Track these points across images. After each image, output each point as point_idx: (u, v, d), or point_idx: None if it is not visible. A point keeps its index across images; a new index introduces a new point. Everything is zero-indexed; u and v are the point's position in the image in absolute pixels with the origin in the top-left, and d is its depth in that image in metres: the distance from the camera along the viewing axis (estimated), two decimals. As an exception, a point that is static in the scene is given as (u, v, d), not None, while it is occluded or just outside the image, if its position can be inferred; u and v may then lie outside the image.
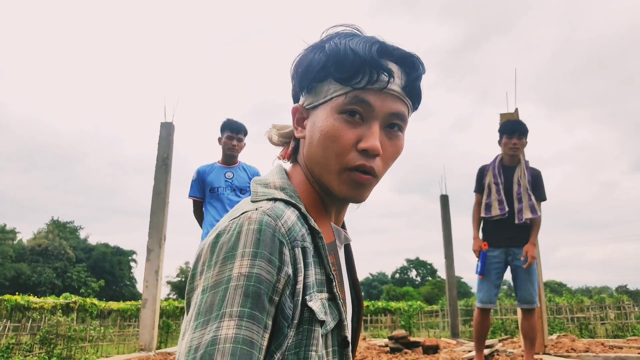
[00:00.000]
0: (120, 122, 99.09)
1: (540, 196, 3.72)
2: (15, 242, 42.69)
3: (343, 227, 0.89)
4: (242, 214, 0.70)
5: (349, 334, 0.77)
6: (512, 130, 3.68)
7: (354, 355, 0.83)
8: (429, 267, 56.23)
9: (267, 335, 0.64)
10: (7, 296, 10.86)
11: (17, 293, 12.02)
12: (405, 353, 5.10)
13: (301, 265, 0.69)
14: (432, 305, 18.15)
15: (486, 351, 4.47)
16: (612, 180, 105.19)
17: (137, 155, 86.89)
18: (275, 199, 0.74)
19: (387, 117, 0.76)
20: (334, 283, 0.74)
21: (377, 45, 0.74)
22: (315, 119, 0.78)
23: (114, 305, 13.54)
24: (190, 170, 3.91)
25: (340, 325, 0.74)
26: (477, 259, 3.75)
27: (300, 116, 0.83)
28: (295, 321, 0.67)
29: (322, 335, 0.70)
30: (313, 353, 0.68)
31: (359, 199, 0.79)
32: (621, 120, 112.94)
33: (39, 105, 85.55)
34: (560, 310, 11.63)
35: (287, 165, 0.87)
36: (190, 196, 3.84)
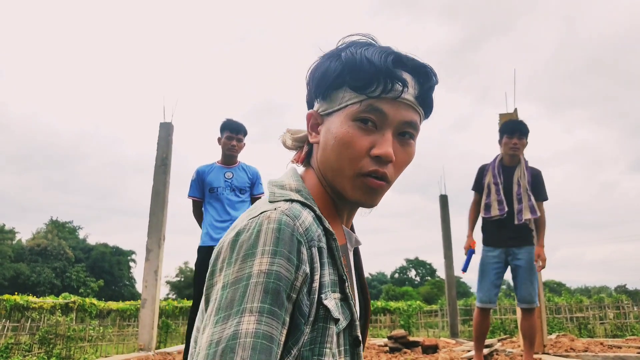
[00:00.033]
0: (120, 122, 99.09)
1: (542, 196, 3.72)
2: (14, 242, 42.64)
3: (352, 230, 0.91)
4: (261, 213, 0.72)
5: (360, 333, 0.79)
6: (513, 130, 3.68)
7: None
8: (428, 267, 56.26)
9: (284, 331, 0.66)
10: (6, 296, 10.85)
11: (16, 293, 12.00)
12: (405, 353, 5.10)
13: (317, 264, 0.72)
14: (431, 305, 18.15)
15: (485, 351, 4.48)
16: (611, 180, 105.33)
17: (137, 155, 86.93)
18: (292, 200, 0.76)
19: (400, 125, 0.78)
20: (347, 284, 0.76)
21: (392, 56, 0.77)
22: (330, 125, 0.80)
23: (113, 305, 13.52)
24: (190, 170, 3.91)
25: (352, 324, 0.77)
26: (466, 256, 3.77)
27: (315, 122, 0.85)
28: (311, 318, 0.69)
29: (335, 334, 0.72)
30: (327, 350, 0.70)
31: (371, 204, 0.81)
32: (621, 120, 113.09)
33: (39, 105, 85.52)
34: (560, 310, 11.64)
35: (300, 168, 0.89)
36: (189, 196, 3.84)
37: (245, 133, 3.88)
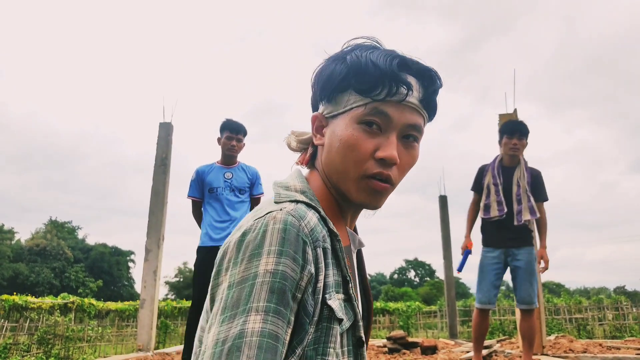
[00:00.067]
0: (120, 122, 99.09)
1: (542, 196, 3.72)
2: (13, 242, 42.60)
3: (355, 231, 0.92)
4: (267, 213, 0.73)
5: (363, 334, 0.80)
6: (513, 130, 3.67)
7: None
8: (427, 267, 56.26)
9: (289, 331, 0.67)
10: (4, 296, 10.82)
11: (15, 293, 11.98)
12: (404, 354, 5.10)
13: (322, 264, 0.72)
14: (430, 306, 18.16)
15: (484, 352, 4.48)
16: (611, 180, 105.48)
17: (137, 155, 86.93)
18: (297, 201, 0.77)
19: (404, 128, 0.79)
20: (350, 285, 0.77)
21: (397, 59, 0.77)
22: (335, 128, 0.81)
23: (112, 305, 13.51)
24: (190, 170, 3.91)
25: (355, 325, 0.77)
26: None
27: (320, 124, 0.86)
28: (315, 318, 0.70)
29: (339, 334, 0.73)
30: (331, 350, 0.71)
31: (375, 206, 0.82)
32: (620, 120, 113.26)
33: (38, 105, 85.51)
34: (559, 311, 11.64)
35: (305, 170, 0.89)
36: (189, 196, 3.84)
37: (245, 133, 3.88)
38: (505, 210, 3.63)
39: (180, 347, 6.30)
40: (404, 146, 0.80)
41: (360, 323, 0.78)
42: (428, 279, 53.50)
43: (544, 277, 4.93)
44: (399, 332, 5.49)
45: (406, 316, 13.93)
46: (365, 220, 0.92)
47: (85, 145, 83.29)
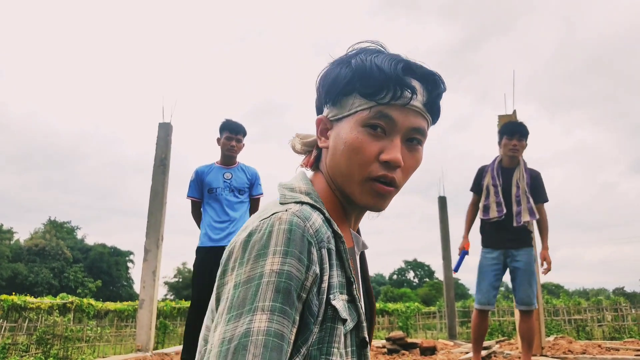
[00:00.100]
0: (119, 122, 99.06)
1: (542, 197, 3.72)
2: (12, 241, 42.56)
3: (358, 233, 0.93)
4: (272, 214, 0.73)
5: (366, 335, 0.81)
6: (513, 131, 3.67)
7: None
8: (426, 268, 56.27)
9: (294, 330, 0.68)
10: (3, 296, 10.79)
11: (13, 293, 11.96)
12: (403, 354, 5.10)
13: (327, 265, 0.73)
14: (429, 307, 18.15)
15: (483, 353, 4.48)
16: (611, 181, 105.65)
17: (136, 155, 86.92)
18: (302, 203, 0.78)
19: (409, 132, 0.80)
20: (354, 286, 0.78)
21: (402, 64, 0.78)
22: (340, 131, 0.82)
23: (111, 305, 13.49)
24: (189, 170, 3.90)
25: (358, 326, 0.78)
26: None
27: (324, 127, 0.87)
28: (320, 318, 0.71)
29: (343, 334, 0.74)
30: (335, 349, 0.72)
31: (379, 208, 0.83)
32: (620, 121, 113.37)
33: (38, 105, 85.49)
34: (558, 312, 11.64)
35: (309, 172, 0.91)
36: (188, 196, 3.83)
37: (244, 133, 3.87)
38: (505, 211, 3.63)
39: (179, 348, 6.30)
40: (408, 149, 0.81)
41: (364, 324, 0.79)
42: (427, 279, 53.51)
43: (543, 278, 4.93)
44: (398, 333, 5.49)
45: (405, 317, 13.92)
46: (365, 221, 0.93)
47: (85, 145, 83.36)
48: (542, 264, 3.61)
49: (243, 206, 3.77)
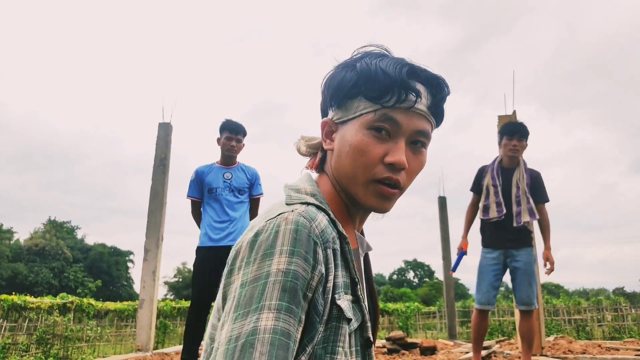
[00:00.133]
0: (119, 122, 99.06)
1: (542, 198, 3.72)
2: (12, 241, 42.56)
3: (362, 234, 0.94)
4: (278, 215, 0.75)
5: (371, 335, 0.82)
6: (513, 131, 3.67)
7: None
8: (426, 268, 56.30)
9: (300, 329, 0.68)
10: (3, 296, 10.80)
11: (13, 293, 11.96)
12: (403, 354, 5.10)
13: (332, 265, 0.74)
14: (429, 307, 18.16)
15: (483, 352, 4.48)
16: (610, 181, 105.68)
17: (136, 155, 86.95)
18: (308, 203, 0.79)
19: (413, 134, 0.81)
20: (358, 286, 0.79)
21: (406, 67, 0.79)
22: (345, 133, 0.83)
23: (111, 305, 13.50)
24: (189, 170, 3.91)
25: (363, 326, 0.79)
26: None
27: (329, 129, 0.88)
28: (325, 317, 0.72)
29: (347, 333, 0.75)
30: (340, 348, 0.73)
31: (384, 210, 0.84)
32: (620, 121, 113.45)
33: (38, 105, 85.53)
34: (558, 312, 11.65)
35: (315, 174, 0.92)
36: (188, 196, 3.83)
37: (244, 134, 3.88)
38: (504, 211, 3.63)
39: (179, 347, 6.30)
40: (412, 152, 0.82)
41: (368, 324, 0.80)
42: (427, 279, 53.53)
43: (543, 278, 4.94)
44: (398, 333, 5.49)
45: (405, 317, 13.92)
46: (367, 222, 0.93)
47: (85, 145, 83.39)
48: (545, 264, 3.60)
49: (243, 206, 3.77)
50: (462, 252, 3.73)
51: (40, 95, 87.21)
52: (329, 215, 0.79)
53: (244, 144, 3.89)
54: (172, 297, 37.20)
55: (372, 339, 0.81)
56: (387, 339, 5.48)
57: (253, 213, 3.88)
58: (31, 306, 10.83)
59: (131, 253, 46.51)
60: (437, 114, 0.84)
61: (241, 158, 3.92)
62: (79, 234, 48.15)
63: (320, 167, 0.91)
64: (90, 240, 47.87)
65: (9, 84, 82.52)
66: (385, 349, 5.33)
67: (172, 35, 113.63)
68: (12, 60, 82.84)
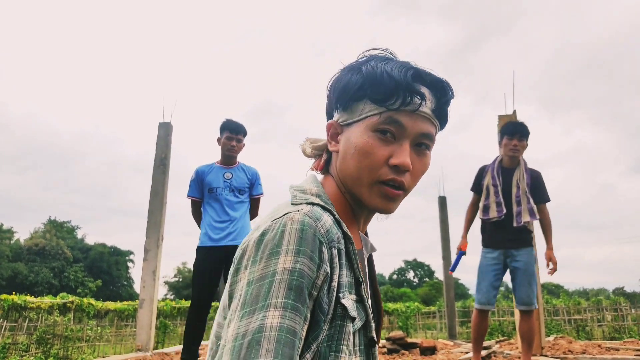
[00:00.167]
0: (119, 122, 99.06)
1: (543, 197, 3.71)
2: (12, 241, 42.56)
3: (366, 235, 0.95)
4: (284, 214, 0.76)
5: (374, 334, 0.83)
6: (513, 131, 3.67)
7: None
8: (426, 268, 56.29)
9: (306, 327, 0.70)
10: (4, 296, 10.80)
11: (14, 293, 11.96)
12: (403, 354, 5.10)
13: (337, 264, 0.75)
14: (429, 307, 18.16)
15: (483, 352, 4.48)
16: (610, 181, 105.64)
17: (136, 155, 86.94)
18: (313, 204, 0.80)
19: (417, 137, 0.83)
20: (362, 286, 0.80)
21: (411, 71, 0.81)
22: (350, 135, 0.84)
23: (111, 305, 13.50)
24: (189, 170, 3.91)
25: (366, 325, 0.80)
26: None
27: (335, 131, 0.89)
28: (330, 316, 0.73)
29: (351, 332, 0.76)
30: (344, 347, 0.74)
31: (388, 211, 0.85)
32: (620, 121, 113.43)
33: (38, 105, 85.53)
34: (558, 312, 11.65)
35: (320, 176, 0.93)
36: (188, 196, 3.83)
37: (245, 133, 3.88)
38: (504, 211, 3.63)
39: (179, 347, 6.30)
40: (417, 154, 0.84)
41: (372, 323, 0.81)
42: (427, 279, 53.52)
43: (543, 278, 4.95)
44: (398, 333, 5.49)
45: (405, 317, 13.92)
46: (371, 222, 0.94)
47: (85, 145, 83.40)
48: (547, 265, 3.60)
49: (243, 206, 3.77)
50: (461, 252, 3.73)
51: (40, 95, 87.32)
52: (334, 215, 0.80)
53: (244, 144, 3.89)
54: (172, 297, 37.21)
55: (375, 338, 0.82)
56: (387, 339, 5.48)
57: (253, 213, 3.88)
58: (31, 306, 10.83)
59: (131, 253, 46.56)
60: (441, 117, 0.85)
61: (241, 158, 3.93)
62: (79, 234, 48.19)
63: (325, 169, 0.93)
64: (90, 240, 47.92)
65: (9, 84, 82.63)
66: (385, 349, 5.33)
67: (172, 35, 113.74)
68: (12, 60, 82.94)
